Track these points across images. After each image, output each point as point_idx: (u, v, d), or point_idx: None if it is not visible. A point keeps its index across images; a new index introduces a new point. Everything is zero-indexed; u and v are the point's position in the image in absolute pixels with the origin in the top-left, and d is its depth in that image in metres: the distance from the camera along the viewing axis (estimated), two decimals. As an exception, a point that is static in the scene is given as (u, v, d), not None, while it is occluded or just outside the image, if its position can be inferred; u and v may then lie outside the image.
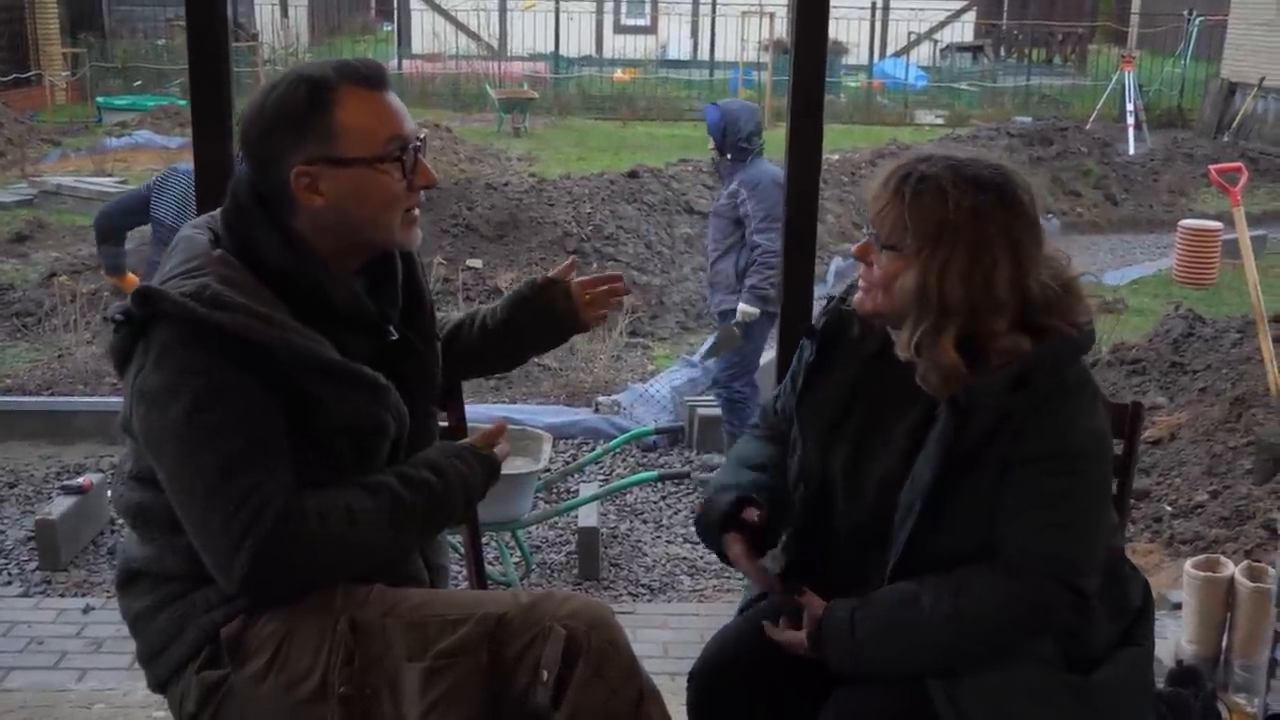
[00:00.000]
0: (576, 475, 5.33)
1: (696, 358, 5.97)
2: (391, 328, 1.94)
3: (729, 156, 5.49)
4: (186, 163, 5.52)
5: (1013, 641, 1.87)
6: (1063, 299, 1.87)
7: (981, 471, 1.84)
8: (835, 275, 9.61)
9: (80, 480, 4.87)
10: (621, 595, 4.51)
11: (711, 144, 5.64)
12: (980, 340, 1.84)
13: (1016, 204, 1.85)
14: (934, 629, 1.84)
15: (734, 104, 5.66)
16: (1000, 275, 1.82)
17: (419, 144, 1.87)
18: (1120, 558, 2.03)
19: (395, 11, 24.48)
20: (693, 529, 5.08)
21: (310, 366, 1.77)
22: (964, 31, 25.37)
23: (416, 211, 1.91)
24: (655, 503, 5.40)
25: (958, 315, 1.83)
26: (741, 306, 5.46)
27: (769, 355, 7.26)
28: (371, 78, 1.84)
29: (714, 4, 23.85)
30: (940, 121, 18.72)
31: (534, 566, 4.69)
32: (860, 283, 1.95)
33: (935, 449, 1.84)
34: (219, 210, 1.91)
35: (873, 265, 1.91)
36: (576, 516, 4.82)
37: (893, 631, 1.87)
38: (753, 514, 1.98)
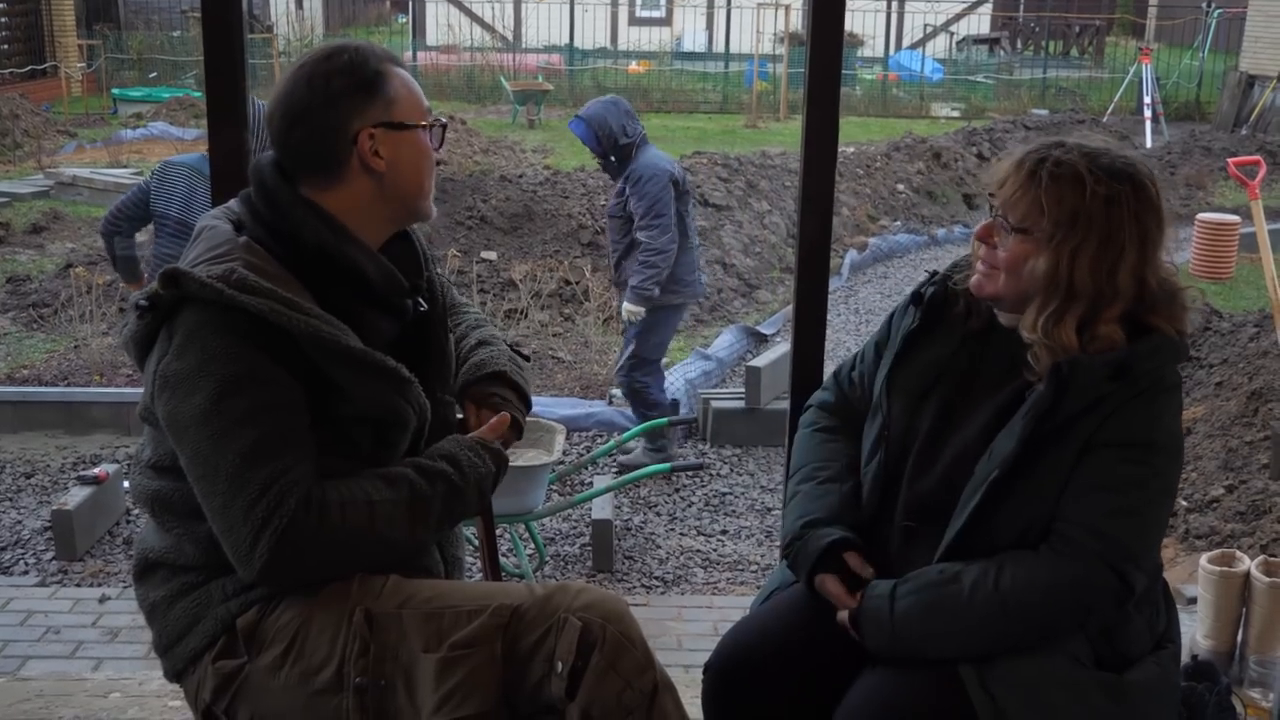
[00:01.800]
0: (590, 467, 5.33)
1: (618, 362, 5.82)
2: (420, 299, 1.97)
3: (613, 159, 5.39)
4: (180, 155, 5.50)
5: (1052, 626, 1.86)
6: (1172, 303, 1.90)
7: (1061, 451, 1.85)
8: (850, 268, 9.61)
9: (96, 471, 4.89)
10: (635, 588, 4.51)
11: (595, 156, 5.53)
12: (1090, 326, 1.87)
13: (1148, 197, 1.89)
14: (974, 607, 1.84)
15: (593, 107, 5.50)
16: (1125, 265, 1.85)
17: None
18: (1158, 571, 2.03)
19: (410, 3, 24.49)
20: (706, 521, 5.12)
21: (334, 354, 1.78)
22: (980, 24, 25.28)
23: None
24: (669, 495, 5.40)
25: (1082, 300, 1.86)
26: (626, 306, 5.42)
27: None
28: (398, 58, 1.96)
29: (729, -4, 23.81)
30: (956, 114, 18.65)
31: (548, 559, 4.70)
32: (979, 265, 1.96)
33: (1025, 420, 1.86)
34: (238, 198, 1.92)
35: (995, 247, 1.93)
36: (590, 509, 4.82)
37: (931, 609, 1.87)
38: (864, 567, 1.98)
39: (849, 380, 2.23)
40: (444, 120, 1.97)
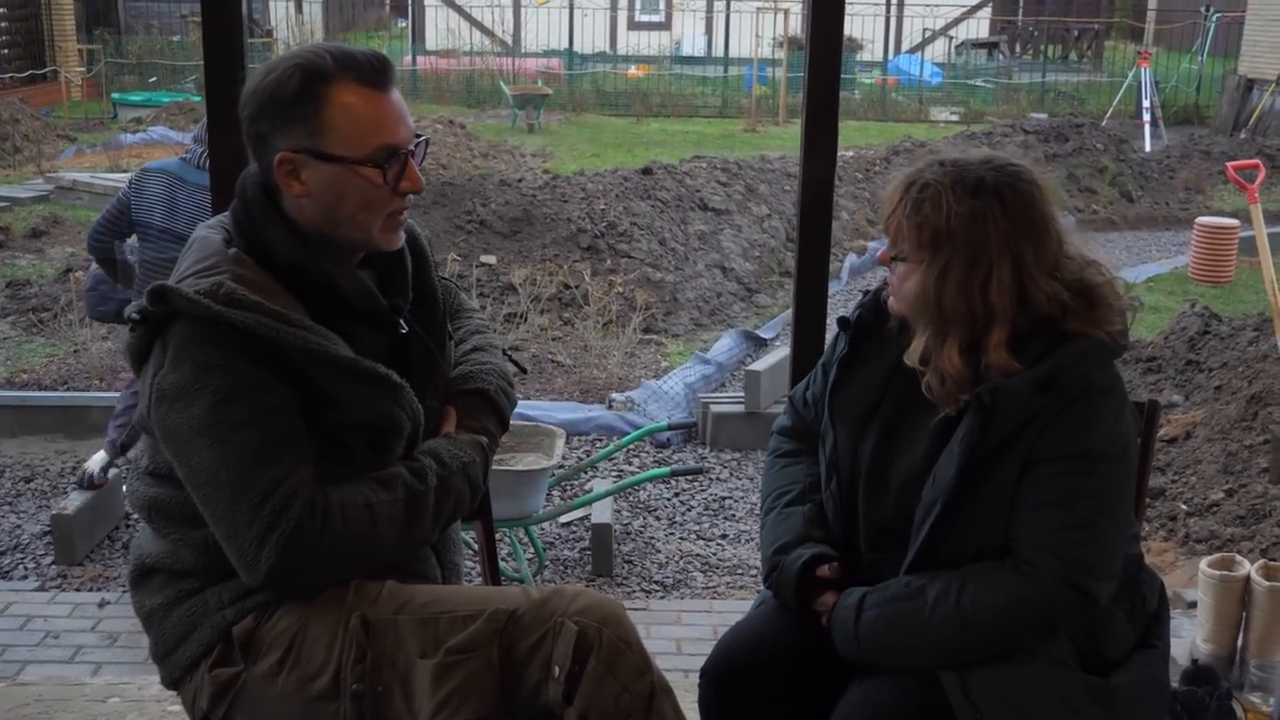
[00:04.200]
0: (590, 471, 5.33)
1: None
2: (402, 321, 1.94)
3: None
4: (156, 161, 5.41)
5: (1015, 642, 1.86)
6: (1092, 305, 1.85)
7: (1004, 471, 1.83)
8: (849, 272, 9.61)
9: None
10: (635, 592, 4.51)
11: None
12: (978, 351, 1.84)
13: (1020, 210, 1.84)
14: (935, 622, 1.84)
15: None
16: (996, 283, 1.81)
17: (412, 150, 1.85)
18: (1138, 563, 2.02)
19: (410, 7, 24.51)
20: (705, 525, 5.11)
21: (324, 364, 1.77)
22: (979, 28, 25.30)
23: (403, 215, 1.88)
24: (668, 499, 5.39)
25: (958, 323, 1.83)
26: None
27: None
28: (375, 76, 1.81)
29: (728, 0, 23.82)
30: (955, 118, 18.66)
31: (547, 563, 4.69)
32: (889, 288, 1.97)
33: (959, 448, 1.83)
34: (229, 209, 1.91)
35: (893, 272, 1.93)
36: (590, 513, 4.82)
37: (894, 621, 1.87)
38: (825, 571, 1.98)
39: (804, 402, 2.22)
40: (407, 149, 1.83)
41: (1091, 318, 1.85)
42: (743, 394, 6.17)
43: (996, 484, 1.83)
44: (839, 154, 2.94)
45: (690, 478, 5.56)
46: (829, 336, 2.96)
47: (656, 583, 4.60)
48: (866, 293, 2.10)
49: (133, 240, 5.24)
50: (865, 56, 22.52)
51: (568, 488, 5.30)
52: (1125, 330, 1.90)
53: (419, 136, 1.88)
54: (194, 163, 4.79)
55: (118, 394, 6.09)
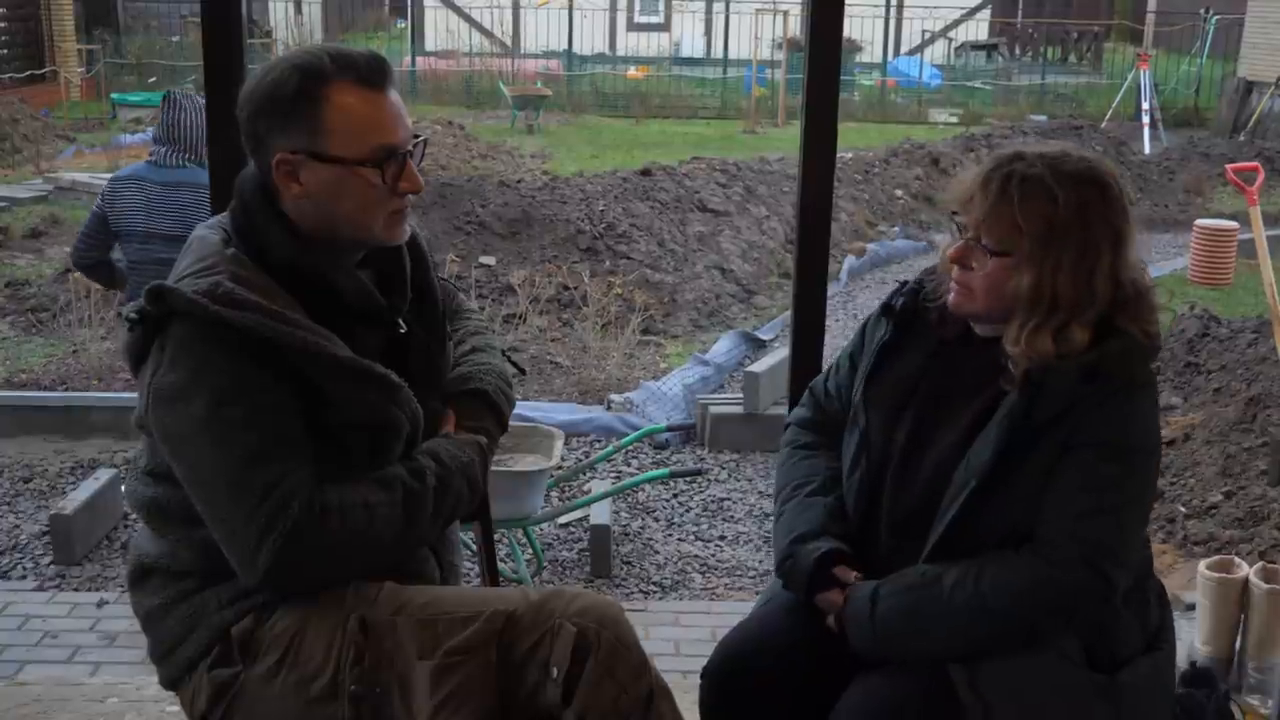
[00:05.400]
0: (588, 473, 5.33)
1: None
2: (401, 320, 1.94)
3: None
4: (124, 169, 5.30)
5: (1033, 628, 1.86)
6: (1139, 304, 1.89)
7: (1039, 455, 1.85)
8: (848, 273, 9.61)
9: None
10: (633, 593, 4.51)
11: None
12: (1063, 330, 1.86)
13: (1114, 196, 1.89)
14: (954, 609, 1.85)
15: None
16: (1102, 269, 1.85)
17: (410, 151, 1.85)
18: (1148, 565, 2.03)
19: (409, 8, 24.50)
20: (704, 526, 5.11)
21: (322, 364, 1.77)
22: (979, 29, 25.30)
23: (405, 212, 1.89)
24: (667, 500, 5.39)
25: (1063, 310, 1.85)
26: None
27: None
28: (373, 77, 1.82)
29: (728, 1, 23.81)
30: (954, 120, 18.66)
31: (546, 564, 4.69)
32: (954, 284, 1.95)
33: (999, 428, 1.85)
34: (228, 209, 1.91)
35: (971, 268, 1.91)
36: (589, 514, 4.82)
37: (911, 610, 1.88)
38: (848, 574, 1.99)
39: (825, 393, 2.22)
40: (406, 149, 1.84)
41: (1138, 316, 1.89)
42: (741, 395, 6.17)
43: (1029, 470, 1.85)
44: (838, 155, 2.94)
45: (689, 479, 5.55)
46: (827, 338, 2.97)
47: (655, 584, 4.59)
48: (903, 283, 2.11)
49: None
50: (864, 58, 22.52)
51: (566, 489, 5.30)
52: (1159, 334, 1.95)
53: (417, 137, 1.88)
54: (160, 163, 4.74)
55: (116, 394, 6.09)
